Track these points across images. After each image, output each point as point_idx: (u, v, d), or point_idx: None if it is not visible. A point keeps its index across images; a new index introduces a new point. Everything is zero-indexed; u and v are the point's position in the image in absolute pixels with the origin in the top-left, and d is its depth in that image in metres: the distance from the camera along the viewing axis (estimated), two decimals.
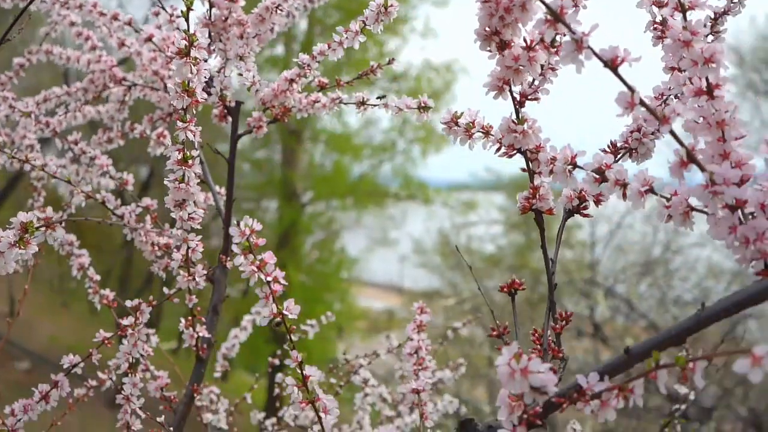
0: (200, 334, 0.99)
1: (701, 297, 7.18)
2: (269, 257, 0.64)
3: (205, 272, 0.92)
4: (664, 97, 0.70)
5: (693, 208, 0.56)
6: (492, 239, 10.91)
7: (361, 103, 0.98)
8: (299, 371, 0.67)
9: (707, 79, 0.55)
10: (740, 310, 0.50)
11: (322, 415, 0.66)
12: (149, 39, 1.07)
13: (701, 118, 0.55)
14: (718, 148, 0.55)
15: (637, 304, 6.49)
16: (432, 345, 1.87)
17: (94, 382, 1.14)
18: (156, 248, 1.04)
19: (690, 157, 0.52)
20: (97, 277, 1.12)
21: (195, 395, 1.00)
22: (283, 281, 0.64)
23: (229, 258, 0.98)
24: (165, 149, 1.19)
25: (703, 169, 0.52)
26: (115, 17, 1.11)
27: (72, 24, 1.21)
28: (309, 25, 9.36)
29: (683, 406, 1.19)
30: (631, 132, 0.69)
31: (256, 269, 0.63)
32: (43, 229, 0.71)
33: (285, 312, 0.65)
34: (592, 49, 0.51)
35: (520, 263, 9.53)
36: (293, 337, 0.67)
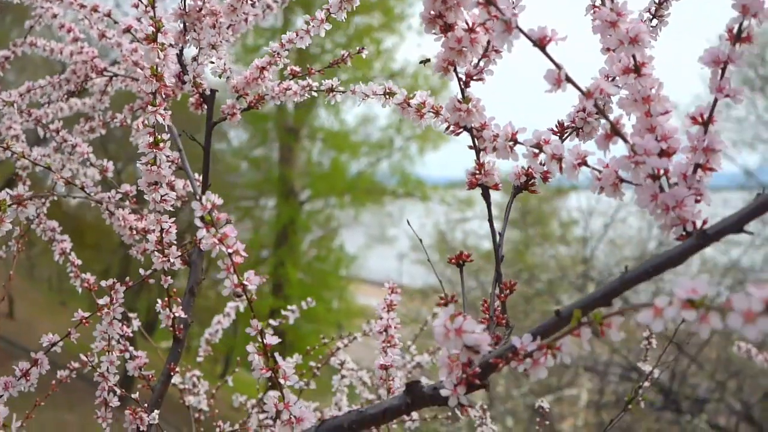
0: (176, 315, 1.02)
1: None
2: (230, 231, 0.67)
3: (179, 253, 0.96)
4: (610, 78, 0.73)
5: (622, 180, 0.59)
6: (488, 236, 10.92)
7: (330, 90, 1.01)
8: (260, 340, 0.70)
9: (634, 57, 0.58)
10: (659, 272, 0.54)
11: (281, 381, 0.70)
12: (128, 30, 1.10)
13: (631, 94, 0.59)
14: (645, 123, 0.58)
15: (630, 298, 6.52)
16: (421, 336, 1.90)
17: (76, 364, 1.17)
18: (134, 232, 1.08)
19: (614, 130, 0.56)
20: (79, 262, 1.15)
21: (172, 374, 1.04)
22: (243, 253, 0.68)
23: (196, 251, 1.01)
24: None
25: (626, 141, 0.56)
26: (94, 9, 1.14)
27: (54, 16, 1.25)
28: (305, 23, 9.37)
29: (646, 384, 1.23)
30: (577, 112, 0.73)
31: (217, 242, 0.67)
32: (14, 206, 0.75)
33: (245, 283, 0.68)
34: (521, 29, 0.55)
35: (516, 259, 9.55)
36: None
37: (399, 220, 12.58)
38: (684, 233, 0.55)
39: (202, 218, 0.66)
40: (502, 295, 0.68)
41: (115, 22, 1.16)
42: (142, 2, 1.04)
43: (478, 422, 1.17)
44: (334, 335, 1.43)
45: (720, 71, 0.56)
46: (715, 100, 0.56)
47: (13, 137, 1.33)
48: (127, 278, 0.98)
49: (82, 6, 1.16)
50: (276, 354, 0.70)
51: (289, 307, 1.40)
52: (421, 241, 0.82)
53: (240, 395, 1.46)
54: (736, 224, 0.51)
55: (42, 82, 1.28)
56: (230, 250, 0.67)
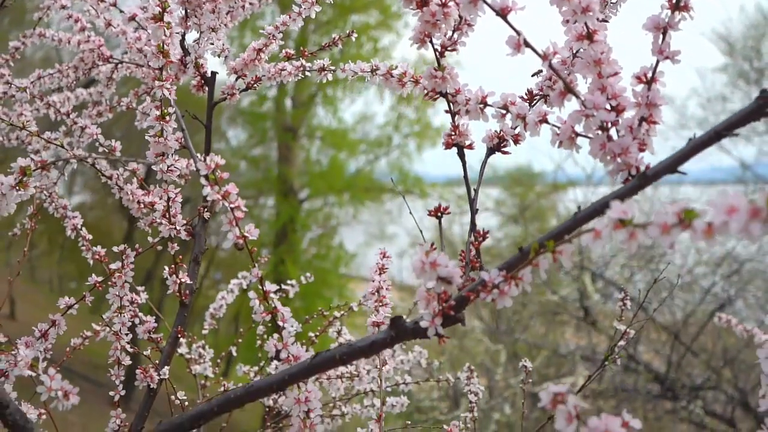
0: (183, 281, 1.10)
1: (689, 281, 7.33)
2: (232, 188, 0.75)
3: (184, 222, 1.04)
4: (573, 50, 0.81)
5: (577, 134, 0.67)
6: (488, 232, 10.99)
7: (322, 69, 1.09)
8: (260, 287, 0.78)
9: (586, 25, 0.66)
10: (663, 173, 0.61)
11: (280, 323, 0.78)
12: (133, 18, 1.18)
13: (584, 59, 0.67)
14: (597, 83, 0.66)
15: (627, 288, 6.61)
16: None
17: (89, 333, 1.25)
18: (142, 206, 1.15)
19: (567, 88, 0.64)
20: (90, 237, 1.23)
21: (179, 336, 1.11)
22: (244, 209, 0.76)
23: (207, 211, 1.09)
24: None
25: (578, 97, 0.64)
26: None
27: (63, 7, 1.32)
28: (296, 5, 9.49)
29: (622, 343, 1.31)
30: (545, 80, 0.81)
31: (221, 198, 0.75)
32: (39, 171, 0.82)
33: (246, 234, 0.76)
34: (485, 1, 0.63)
35: (515, 253, 9.59)
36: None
37: (398, 218, 12.65)
38: (629, 177, 0.63)
39: (206, 176, 0.74)
40: (476, 242, 0.75)
41: (121, 11, 1.24)
42: None
43: (466, 381, 1.25)
44: (332, 305, 1.51)
45: (661, 36, 0.64)
46: (657, 61, 0.64)
47: (26, 122, 1.41)
48: (137, 246, 1.06)
49: None
50: (275, 300, 0.78)
51: (288, 281, 1.48)
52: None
53: (243, 365, 1.54)
54: (670, 166, 0.59)
55: (51, 70, 1.36)
56: (232, 205, 0.75)
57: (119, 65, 1.35)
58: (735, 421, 6.10)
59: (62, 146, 1.10)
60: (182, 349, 1.43)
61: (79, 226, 1.24)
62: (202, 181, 0.74)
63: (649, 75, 0.65)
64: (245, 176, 11.99)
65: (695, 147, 0.58)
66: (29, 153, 1.43)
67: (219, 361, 1.55)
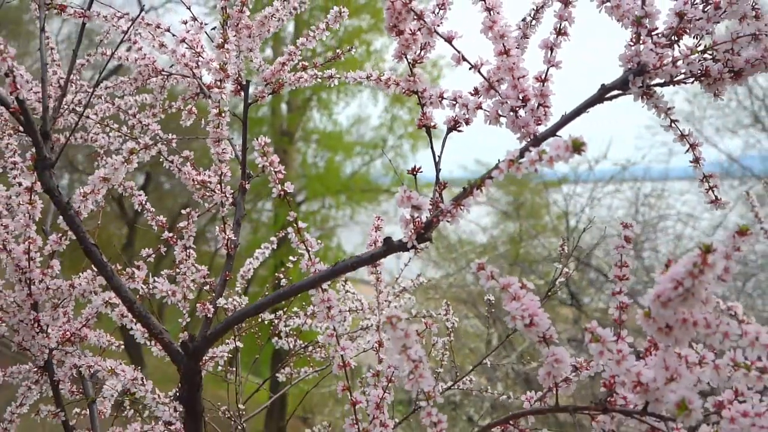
0: (230, 237, 1.47)
1: None
2: (275, 158, 1.13)
3: (232, 191, 1.41)
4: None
5: (500, 115, 1.04)
6: (483, 229, 11.36)
7: (331, 77, 1.47)
8: (295, 225, 1.15)
9: (503, 45, 1.03)
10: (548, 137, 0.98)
11: (309, 248, 1.15)
12: (183, 40, 1.55)
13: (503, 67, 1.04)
14: (512, 82, 1.03)
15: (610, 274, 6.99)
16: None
17: (160, 281, 1.61)
18: (195, 182, 1.52)
19: (490, 86, 1.01)
20: (153, 210, 1.60)
21: (227, 278, 1.48)
22: (283, 171, 1.13)
23: (247, 182, 1.46)
24: (194, 120, 1.67)
25: (496, 91, 1.01)
26: (158, 26, 1.60)
27: (123, 32, 1.69)
28: (295, 28, 9.87)
29: (562, 279, 1.67)
30: (482, 82, 1.18)
31: (268, 165, 1.12)
32: (143, 150, 1.19)
33: (286, 188, 1.13)
34: (437, 32, 1.00)
35: (513, 250, 9.96)
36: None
37: (394, 218, 12.93)
38: (529, 141, 1.00)
39: (258, 150, 1.11)
40: (440, 188, 1.13)
41: (173, 35, 1.61)
42: (196, 20, 1.49)
43: (444, 315, 1.62)
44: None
45: (549, 51, 1.01)
46: (547, 68, 1.02)
47: (94, 125, 1.78)
48: (197, 210, 1.43)
49: (148, 24, 1.61)
50: (305, 233, 1.15)
51: (291, 258, 1.86)
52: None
53: (268, 312, 1.91)
54: (551, 132, 0.96)
55: (115, 81, 1.73)
56: (275, 169, 1.12)
57: (169, 77, 1.72)
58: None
59: (135, 139, 1.47)
60: (220, 301, 1.80)
61: (144, 202, 1.61)
62: (256, 152, 1.11)
63: (543, 77, 1.02)
64: None
65: (564, 120, 0.96)
66: (96, 148, 1.80)
67: None
